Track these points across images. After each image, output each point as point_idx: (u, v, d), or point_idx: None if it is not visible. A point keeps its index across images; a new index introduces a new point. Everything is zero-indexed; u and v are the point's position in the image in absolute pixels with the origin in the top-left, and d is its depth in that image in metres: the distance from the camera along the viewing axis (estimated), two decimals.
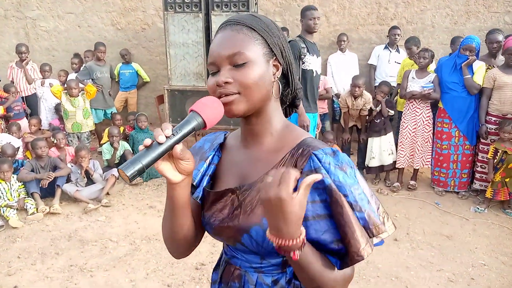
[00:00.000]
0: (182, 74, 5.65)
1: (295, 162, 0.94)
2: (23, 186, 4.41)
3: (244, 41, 0.93)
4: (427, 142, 4.64)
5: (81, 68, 6.13)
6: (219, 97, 0.93)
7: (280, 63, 0.99)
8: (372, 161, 4.84)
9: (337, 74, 5.71)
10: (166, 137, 0.85)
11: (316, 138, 4.03)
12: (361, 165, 5.03)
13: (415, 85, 4.52)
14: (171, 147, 0.86)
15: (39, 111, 6.06)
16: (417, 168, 4.74)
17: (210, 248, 3.46)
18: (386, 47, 5.65)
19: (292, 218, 0.79)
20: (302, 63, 3.79)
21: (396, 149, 4.80)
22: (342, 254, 0.91)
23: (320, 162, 0.90)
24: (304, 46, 3.78)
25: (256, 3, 5.59)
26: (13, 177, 4.34)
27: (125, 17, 6.66)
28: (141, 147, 0.85)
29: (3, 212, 4.09)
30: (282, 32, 1.02)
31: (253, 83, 0.92)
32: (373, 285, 3.05)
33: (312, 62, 3.84)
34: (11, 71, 5.94)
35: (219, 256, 1.19)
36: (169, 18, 5.43)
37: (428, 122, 4.60)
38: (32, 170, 4.48)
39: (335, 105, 5.72)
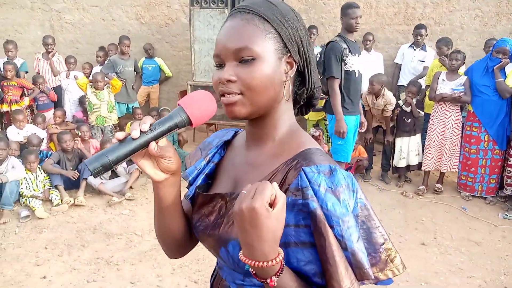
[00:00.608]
0: (206, 70, 5.64)
1: (286, 175, 0.82)
2: (48, 177, 4.45)
3: (253, 34, 0.81)
4: (455, 145, 4.55)
5: (106, 62, 6.16)
6: (222, 95, 0.84)
7: (295, 60, 0.86)
8: (402, 161, 4.79)
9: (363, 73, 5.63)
10: (142, 132, 0.77)
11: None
12: (385, 167, 4.97)
13: (445, 87, 4.43)
14: (146, 143, 0.78)
15: (63, 103, 6.11)
16: (444, 171, 4.66)
17: None
18: (411, 46, 5.56)
19: (267, 235, 0.69)
20: (345, 65, 3.66)
21: (423, 151, 4.73)
22: None
23: (309, 181, 0.77)
24: (346, 46, 3.64)
25: (282, 0, 5.55)
26: (38, 168, 4.39)
27: (149, 12, 6.67)
28: (113, 140, 0.78)
29: (29, 202, 4.13)
30: (303, 22, 0.89)
31: (259, 84, 0.81)
32: None
33: (354, 63, 3.69)
34: (38, 63, 5.99)
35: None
36: (195, 14, 5.42)
37: (457, 125, 4.51)
38: (58, 162, 4.52)
39: None
